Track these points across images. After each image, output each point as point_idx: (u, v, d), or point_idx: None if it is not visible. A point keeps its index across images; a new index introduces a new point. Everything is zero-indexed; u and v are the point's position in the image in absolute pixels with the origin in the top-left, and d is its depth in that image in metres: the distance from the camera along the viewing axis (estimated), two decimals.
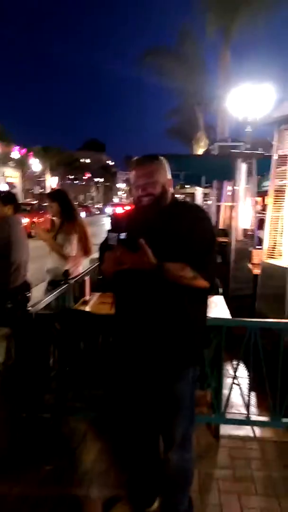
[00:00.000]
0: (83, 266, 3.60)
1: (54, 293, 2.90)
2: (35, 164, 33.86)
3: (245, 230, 6.55)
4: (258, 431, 2.54)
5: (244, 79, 10.04)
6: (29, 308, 2.49)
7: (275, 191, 3.93)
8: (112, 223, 1.53)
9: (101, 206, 50.64)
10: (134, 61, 15.81)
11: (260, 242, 5.14)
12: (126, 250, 1.44)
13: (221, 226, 9.41)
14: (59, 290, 2.99)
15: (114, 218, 1.54)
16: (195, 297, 1.57)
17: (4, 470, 2.16)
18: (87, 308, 2.91)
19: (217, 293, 3.32)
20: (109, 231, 1.51)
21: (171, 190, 1.63)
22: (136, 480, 1.86)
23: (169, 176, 1.63)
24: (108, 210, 36.59)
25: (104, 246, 1.54)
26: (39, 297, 2.96)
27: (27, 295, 3.03)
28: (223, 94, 12.45)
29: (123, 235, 1.47)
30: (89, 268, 3.81)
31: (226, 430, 2.52)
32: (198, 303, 1.61)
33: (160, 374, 1.61)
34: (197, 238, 1.52)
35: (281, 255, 3.84)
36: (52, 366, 2.68)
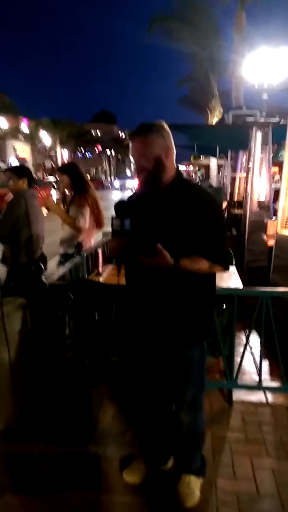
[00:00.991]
0: (95, 238, 3.62)
1: (68, 265, 2.94)
2: (45, 138, 33.35)
3: (260, 202, 6.41)
4: (270, 396, 2.59)
5: (261, 43, 9.52)
6: (43, 279, 2.54)
7: None
8: (116, 209, 1.53)
9: (113, 180, 49.53)
10: (145, 26, 15.16)
11: (275, 213, 5.04)
12: (145, 256, 1.47)
13: (236, 198, 9.23)
14: (73, 262, 3.02)
15: (118, 203, 1.54)
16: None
17: (25, 431, 2.28)
18: (101, 279, 2.95)
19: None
20: (113, 217, 1.52)
21: (171, 160, 1.53)
22: (151, 439, 1.94)
23: (168, 144, 1.52)
24: (117, 184, 34.94)
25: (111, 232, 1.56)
26: (52, 269, 3.00)
27: (41, 266, 3.08)
28: (239, 59, 11.90)
29: (127, 223, 1.50)
30: (102, 240, 3.82)
31: (238, 396, 2.57)
32: (205, 278, 1.60)
33: (169, 344, 1.64)
34: (209, 228, 1.49)
35: None
36: (68, 335, 2.76)
